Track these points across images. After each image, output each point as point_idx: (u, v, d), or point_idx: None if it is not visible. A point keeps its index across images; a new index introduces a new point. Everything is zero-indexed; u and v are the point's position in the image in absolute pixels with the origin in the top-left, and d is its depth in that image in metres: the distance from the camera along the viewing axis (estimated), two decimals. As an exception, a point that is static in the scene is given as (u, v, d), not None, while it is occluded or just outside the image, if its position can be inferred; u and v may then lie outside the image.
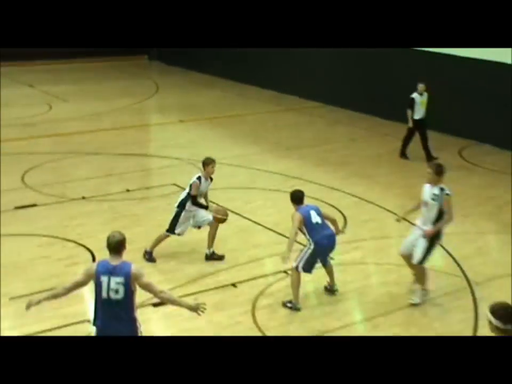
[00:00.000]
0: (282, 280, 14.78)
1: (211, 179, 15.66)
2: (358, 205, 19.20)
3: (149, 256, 15.58)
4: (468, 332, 13.03)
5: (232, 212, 17.80)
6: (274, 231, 17.11)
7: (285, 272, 14.95)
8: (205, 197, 15.75)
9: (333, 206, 18.70)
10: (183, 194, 15.52)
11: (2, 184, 19.19)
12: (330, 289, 14.41)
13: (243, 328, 12.79)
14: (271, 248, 16.17)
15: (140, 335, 9.92)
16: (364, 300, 14.31)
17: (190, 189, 15.23)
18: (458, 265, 15.69)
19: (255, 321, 13.15)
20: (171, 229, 15.43)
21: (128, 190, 19.42)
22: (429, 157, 22.75)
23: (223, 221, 15.45)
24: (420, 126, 22.96)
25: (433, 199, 13.72)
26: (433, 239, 13.71)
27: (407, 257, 14.15)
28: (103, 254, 15.19)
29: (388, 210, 18.70)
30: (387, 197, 19.52)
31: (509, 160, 23.20)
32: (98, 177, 20.51)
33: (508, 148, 24.08)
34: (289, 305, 14.00)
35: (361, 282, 14.89)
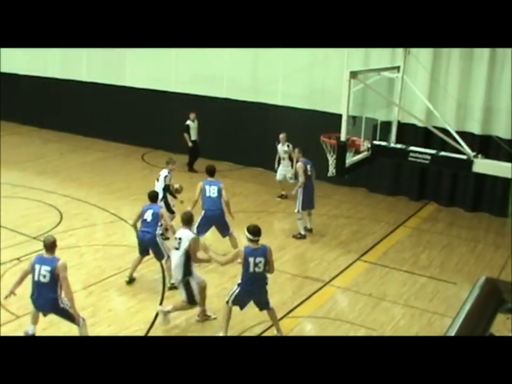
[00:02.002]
0: (17, 266, 14.08)
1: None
2: (70, 202, 18.83)
3: None
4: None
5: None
6: (6, 228, 16.33)
7: (18, 259, 14.48)
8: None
9: (51, 205, 18.37)
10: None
11: None
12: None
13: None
14: (5, 241, 15.48)
15: (62, 306, 10.57)
16: (81, 272, 14.13)
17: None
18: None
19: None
20: None
21: None
22: (191, 166, 23.06)
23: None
24: (195, 144, 22.87)
25: None
26: None
27: None
28: None
29: (93, 205, 18.64)
30: (91, 195, 19.36)
31: (180, 161, 23.72)
32: None
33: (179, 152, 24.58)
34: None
35: (77, 261, 14.68)
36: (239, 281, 11.22)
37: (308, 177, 16.60)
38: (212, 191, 14.70)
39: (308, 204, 16.74)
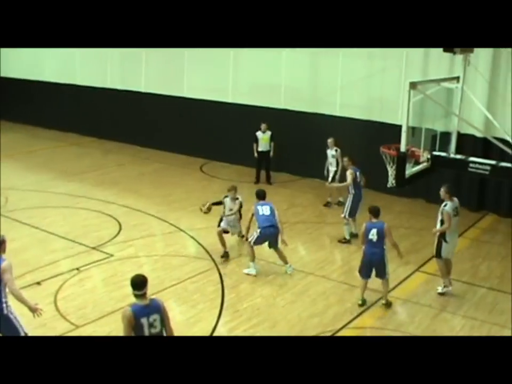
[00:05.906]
0: (76, 276, 14.50)
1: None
2: (129, 213, 19.08)
3: None
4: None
5: (32, 226, 17.45)
6: (66, 239, 16.73)
7: (77, 269, 14.77)
8: None
9: (110, 215, 18.64)
10: None
11: None
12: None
13: (48, 315, 12.46)
14: (65, 252, 15.88)
15: (5, 313, 9.88)
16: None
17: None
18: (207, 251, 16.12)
19: (57, 309, 12.86)
20: None
21: None
22: (268, 178, 22.98)
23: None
24: (263, 156, 22.71)
25: None
26: None
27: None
28: None
29: (152, 215, 18.84)
30: (150, 206, 19.59)
31: (239, 172, 23.92)
32: None
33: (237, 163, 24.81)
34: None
35: (136, 271, 14.81)
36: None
37: (357, 185, 17.06)
38: (264, 210, 14.97)
39: (356, 211, 17.18)
